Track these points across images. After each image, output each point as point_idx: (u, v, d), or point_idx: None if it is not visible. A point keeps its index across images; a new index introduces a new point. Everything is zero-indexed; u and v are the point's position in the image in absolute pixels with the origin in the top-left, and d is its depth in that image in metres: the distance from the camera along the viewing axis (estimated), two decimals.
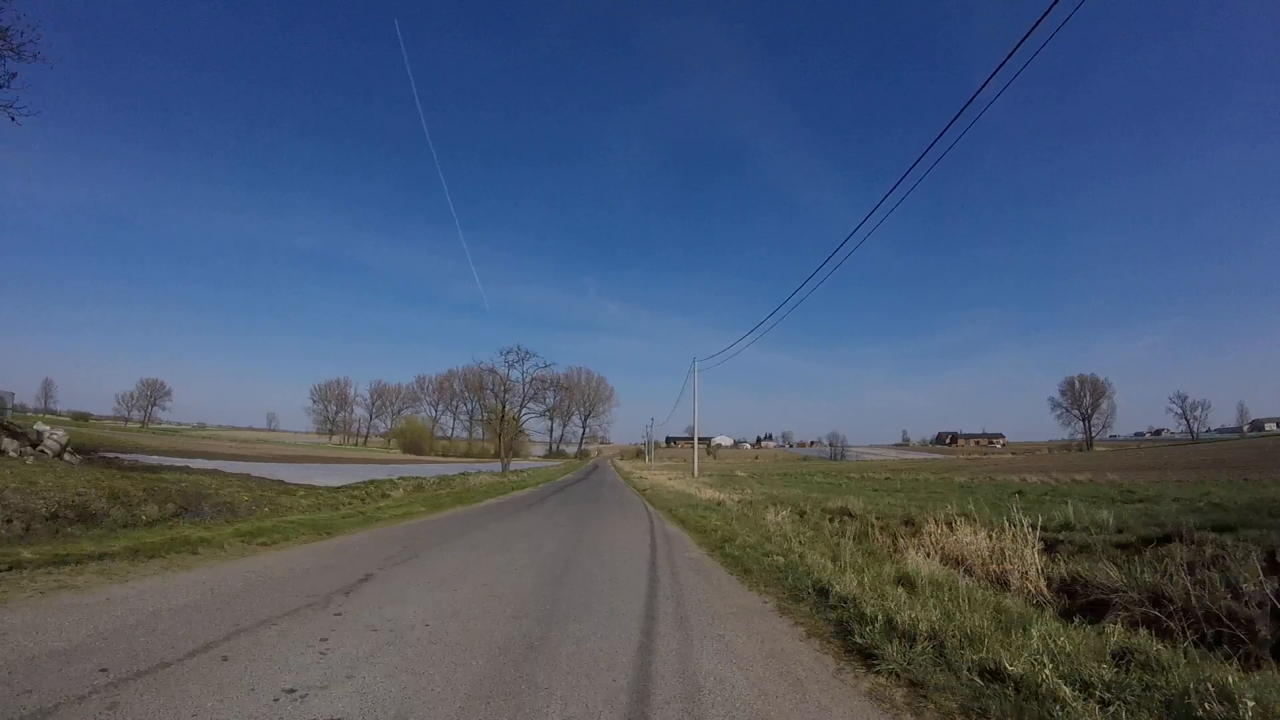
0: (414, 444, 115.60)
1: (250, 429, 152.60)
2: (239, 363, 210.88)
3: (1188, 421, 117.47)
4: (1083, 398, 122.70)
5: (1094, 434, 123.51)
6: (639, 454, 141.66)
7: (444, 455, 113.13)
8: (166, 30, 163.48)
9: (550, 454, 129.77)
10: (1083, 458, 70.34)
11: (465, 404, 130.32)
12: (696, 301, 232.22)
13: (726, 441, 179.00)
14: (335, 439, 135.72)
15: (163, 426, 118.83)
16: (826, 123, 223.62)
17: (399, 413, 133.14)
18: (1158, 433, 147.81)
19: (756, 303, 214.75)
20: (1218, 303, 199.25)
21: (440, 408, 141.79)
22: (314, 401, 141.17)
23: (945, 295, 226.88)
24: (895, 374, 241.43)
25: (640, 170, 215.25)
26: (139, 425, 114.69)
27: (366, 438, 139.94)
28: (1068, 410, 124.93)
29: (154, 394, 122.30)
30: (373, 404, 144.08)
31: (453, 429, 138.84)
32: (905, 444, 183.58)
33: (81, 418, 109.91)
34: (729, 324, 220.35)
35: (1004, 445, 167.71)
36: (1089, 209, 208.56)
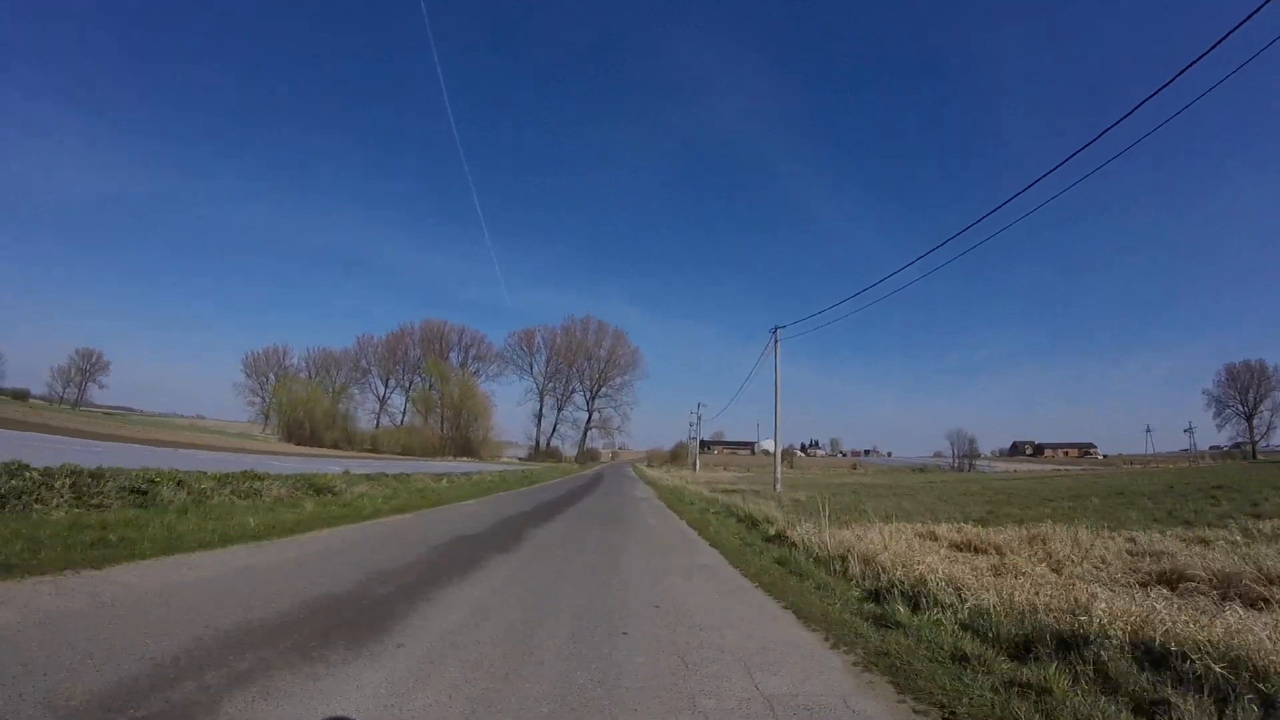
0: (306, 427, 75.51)
1: (239, 421, 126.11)
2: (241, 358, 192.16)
3: None
4: (1247, 391, 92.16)
5: (1257, 438, 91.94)
6: (673, 457, 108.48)
7: (360, 449, 73.03)
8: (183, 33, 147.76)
9: (537, 453, 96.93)
10: None
11: (422, 377, 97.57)
12: (716, 312, 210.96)
13: (769, 447, 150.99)
14: (267, 429, 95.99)
15: (110, 411, 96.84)
16: (847, 140, 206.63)
17: (343, 390, 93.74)
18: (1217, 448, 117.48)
19: (778, 312, 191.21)
20: None
21: (391, 383, 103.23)
22: (247, 376, 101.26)
23: (980, 297, 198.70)
24: (920, 382, 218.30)
25: (663, 180, 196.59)
26: (70, 406, 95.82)
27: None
28: (1224, 406, 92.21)
29: (88, 366, 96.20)
30: (312, 378, 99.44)
31: (405, 412, 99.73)
32: (976, 456, 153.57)
33: (20, 395, 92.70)
34: (749, 333, 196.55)
35: (1105, 457, 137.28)
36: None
